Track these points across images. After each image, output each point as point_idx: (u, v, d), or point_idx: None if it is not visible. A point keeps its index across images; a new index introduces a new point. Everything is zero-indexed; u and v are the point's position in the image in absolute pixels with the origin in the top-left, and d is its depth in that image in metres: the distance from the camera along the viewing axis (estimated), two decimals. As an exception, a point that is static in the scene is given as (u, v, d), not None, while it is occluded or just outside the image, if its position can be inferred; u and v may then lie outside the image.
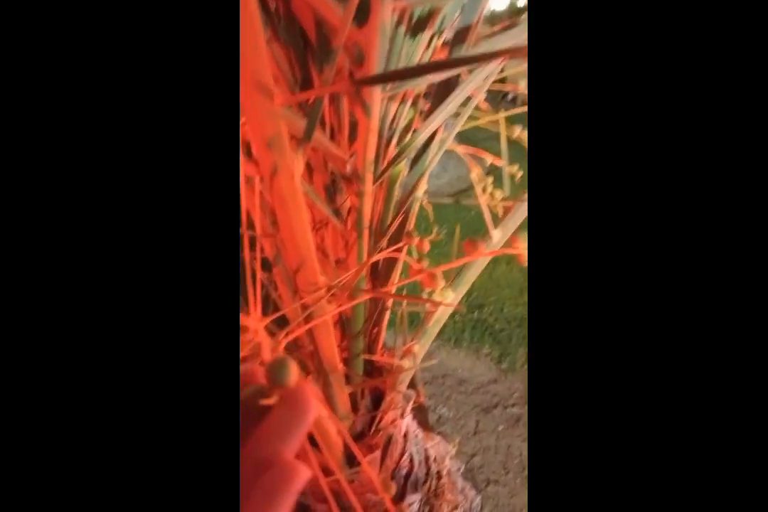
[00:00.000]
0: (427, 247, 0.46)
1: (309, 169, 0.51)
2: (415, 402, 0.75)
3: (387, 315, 0.68)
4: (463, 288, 0.55)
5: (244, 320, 0.36)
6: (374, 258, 0.46)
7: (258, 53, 0.21)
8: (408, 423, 0.82)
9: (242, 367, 0.19)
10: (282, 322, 0.45)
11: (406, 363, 0.62)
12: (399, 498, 0.77)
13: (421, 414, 1.48)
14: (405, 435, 0.81)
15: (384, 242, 0.51)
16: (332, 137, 0.50)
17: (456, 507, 0.84)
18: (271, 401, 0.17)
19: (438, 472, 0.81)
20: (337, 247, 0.56)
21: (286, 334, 0.39)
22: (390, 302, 0.66)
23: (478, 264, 0.55)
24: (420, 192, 0.60)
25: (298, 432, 0.16)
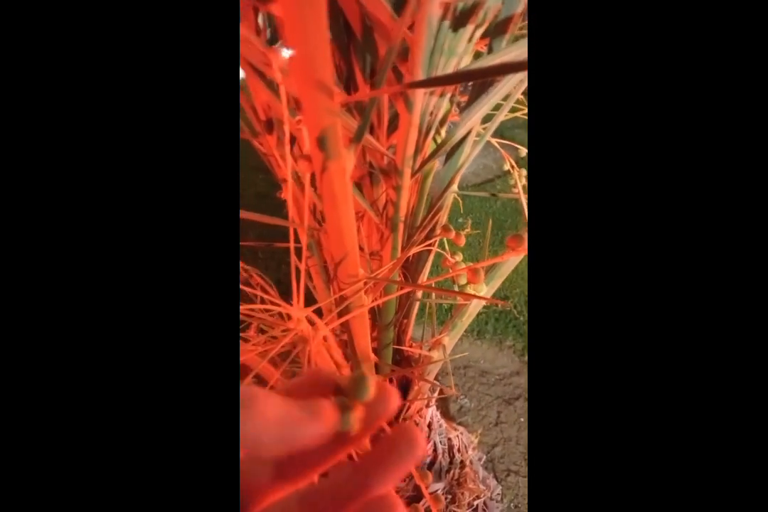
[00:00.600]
0: (463, 240, 0.46)
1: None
2: (442, 393, 0.76)
3: (416, 307, 0.68)
4: (497, 283, 0.56)
5: (287, 309, 0.37)
6: (410, 252, 0.47)
7: (322, 50, 0.22)
8: (432, 413, 0.83)
9: (310, 369, 0.18)
10: (317, 312, 0.46)
11: (436, 354, 0.63)
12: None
13: (443, 404, 1.49)
14: (430, 425, 0.83)
15: (419, 236, 0.52)
16: (371, 130, 0.50)
17: (477, 497, 0.86)
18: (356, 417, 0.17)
19: (461, 462, 0.83)
20: (371, 239, 0.57)
21: (326, 324, 0.40)
22: (419, 294, 0.67)
23: (513, 258, 0.55)
24: (455, 185, 0.60)
25: (403, 471, 0.15)
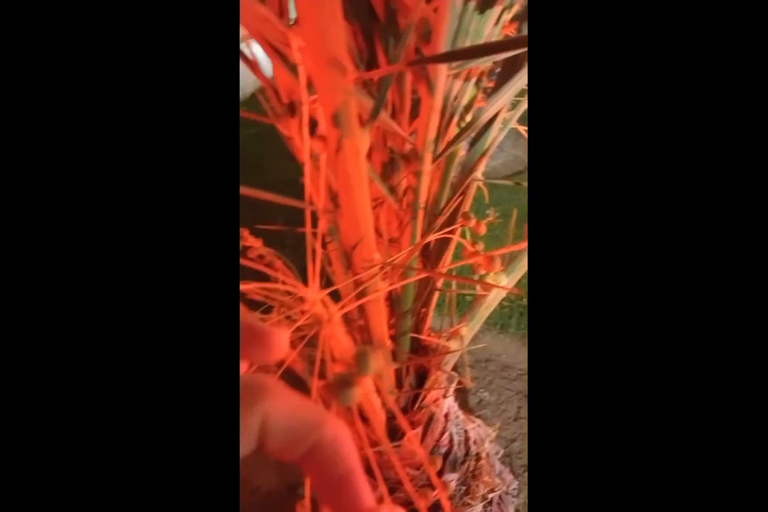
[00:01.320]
0: (483, 229, 0.46)
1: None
2: (459, 384, 0.76)
3: (435, 297, 0.68)
4: (518, 274, 0.55)
5: (303, 291, 0.38)
6: (428, 239, 0.46)
7: (335, 27, 0.21)
8: (450, 404, 0.83)
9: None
10: (335, 296, 0.46)
11: (453, 344, 0.62)
12: (436, 474, 0.78)
13: (461, 396, 1.49)
14: (446, 416, 0.82)
15: (439, 222, 0.51)
16: (393, 115, 0.50)
17: (492, 490, 0.85)
18: (356, 389, 0.17)
19: (477, 454, 0.82)
20: (391, 226, 0.57)
21: (341, 307, 0.40)
22: (440, 284, 0.67)
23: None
24: (479, 173, 0.59)
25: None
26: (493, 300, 0.59)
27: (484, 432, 0.88)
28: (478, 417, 1.34)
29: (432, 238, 0.44)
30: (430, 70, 0.40)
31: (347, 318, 0.57)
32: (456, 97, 0.48)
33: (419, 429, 0.71)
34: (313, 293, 0.37)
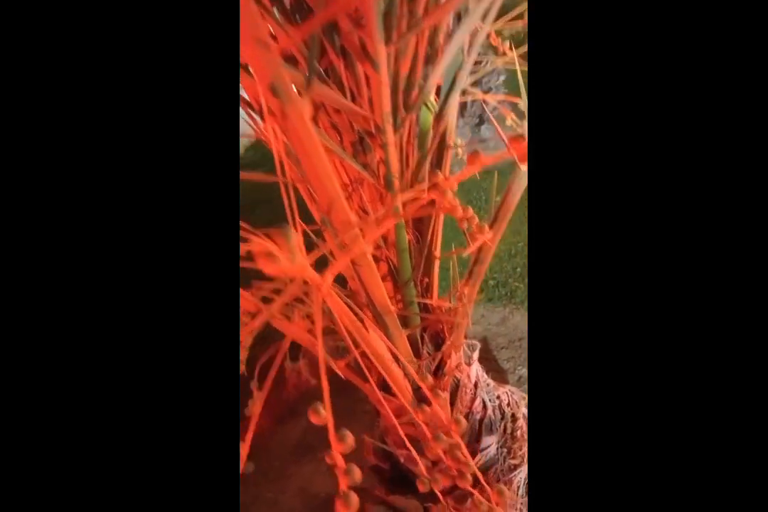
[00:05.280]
0: (454, 186, 0.49)
1: (337, 131, 0.56)
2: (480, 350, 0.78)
3: (437, 265, 0.72)
4: (501, 225, 0.58)
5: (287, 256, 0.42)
6: (405, 198, 0.51)
7: (250, 10, 0.26)
8: (478, 372, 0.85)
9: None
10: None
11: (460, 304, 0.66)
12: (475, 440, 0.81)
13: (501, 376, 1.49)
14: (476, 384, 0.85)
15: (419, 187, 0.55)
16: (353, 99, 0.55)
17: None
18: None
19: (513, 415, 0.84)
20: (376, 204, 0.61)
21: (330, 273, 0.45)
22: (437, 252, 0.70)
23: (510, 200, 0.57)
24: (450, 140, 0.63)
25: None
26: (485, 255, 0.62)
27: (518, 396, 0.90)
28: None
29: (408, 196, 0.49)
30: (370, 49, 0.45)
31: (351, 292, 0.62)
32: (400, 71, 0.52)
33: (446, 394, 0.74)
34: (302, 258, 0.42)
